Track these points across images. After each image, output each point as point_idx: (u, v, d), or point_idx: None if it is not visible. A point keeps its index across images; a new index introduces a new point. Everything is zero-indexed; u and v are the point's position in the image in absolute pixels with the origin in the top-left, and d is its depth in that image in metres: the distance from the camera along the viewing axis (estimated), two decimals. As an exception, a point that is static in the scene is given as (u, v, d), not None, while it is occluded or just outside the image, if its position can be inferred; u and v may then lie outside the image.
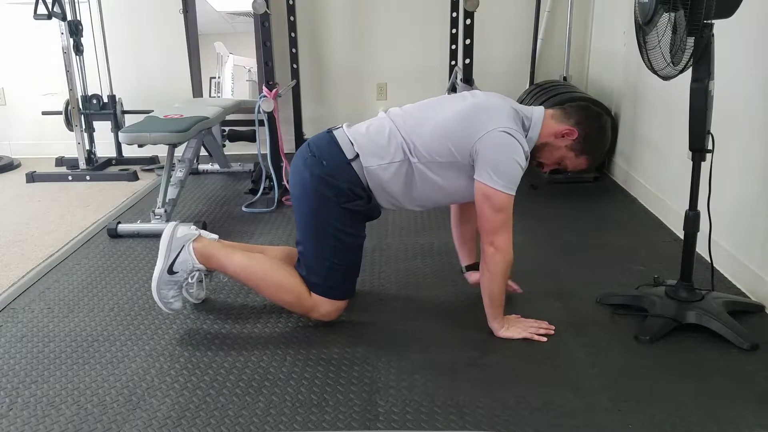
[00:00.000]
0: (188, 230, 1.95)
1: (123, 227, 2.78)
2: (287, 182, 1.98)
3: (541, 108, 1.88)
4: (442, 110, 1.84)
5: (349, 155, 1.82)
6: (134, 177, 3.74)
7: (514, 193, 1.75)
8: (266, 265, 1.94)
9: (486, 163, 1.73)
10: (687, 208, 1.88)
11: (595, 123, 1.85)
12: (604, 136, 1.88)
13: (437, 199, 1.91)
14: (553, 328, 1.88)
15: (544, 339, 1.84)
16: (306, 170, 1.86)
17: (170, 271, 1.91)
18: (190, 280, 1.95)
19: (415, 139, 1.81)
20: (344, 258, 1.89)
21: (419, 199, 1.90)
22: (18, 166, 4.13)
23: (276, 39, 3.71)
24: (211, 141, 3.68)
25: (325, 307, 1.91)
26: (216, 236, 2.06)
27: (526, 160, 1.78)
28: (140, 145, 3.08)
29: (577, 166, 1.89)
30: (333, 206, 1.83)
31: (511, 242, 1.80)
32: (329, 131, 1.91)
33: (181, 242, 1.92)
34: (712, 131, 1.78)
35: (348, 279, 1.94)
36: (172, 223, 1.96)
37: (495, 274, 1.80)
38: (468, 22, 3.01)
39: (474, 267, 2.15)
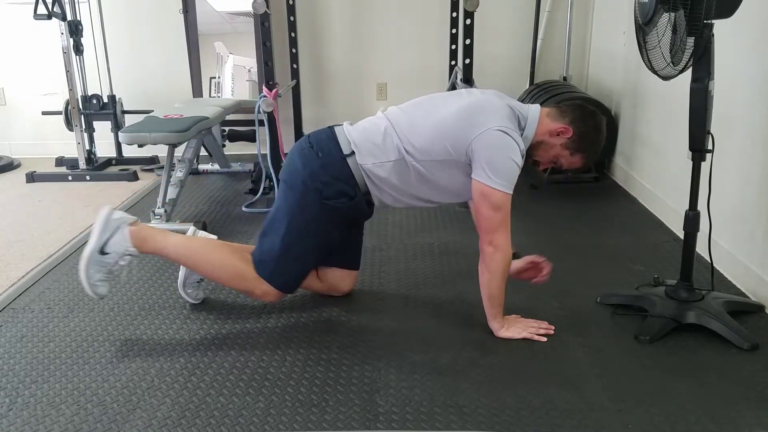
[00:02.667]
0: (125, 214, 1.89)
1: (123, 227, 2.77)
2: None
3: (537, 106, 1.88)
4: (438, 109, 1.84)
5: (346, 151, 1.85)
6: (134, 177, 3.74)
7: (511, 192, 1.75)
8: (206, 243, 1.94)
9: (483, 162, 1.74)
10: (687, 208, 1.88)
11: (590, 121, 1.85)
12: (599, 134, 1.87)
13: (435, 196, 1.92)
14: (553, 328, 1.88)
15: (544, 339, 1.84)
16: (300, 160, 1.88)
17: (102, 251, 1.82)
18: (120, 262, 1.86)
19: (411, 138, 1.82)
20: (306, 250, 1.90)
21: (417, 196, 1.91)
22: (18, 166, 4.13)
23: (276, 39, 3.71)
24: (211, 141, 3.68)
25: (264, 286, 1.91)
26: (215, 237, 2.06)
27: (523, 158, 1.78)
28: (140, 145, 3.07)
29: (571, 164, 1.89)
30: (316, 200, 1.85)
31: (509, 241, 1.80)
32: (329, 127, 1.93)
33: (117, 223, 1.86)
34: (711, 131, 1.78)
35: (298, 273, 1.95)
36: (108, 206, 1.88)
37: (495, 273, 1.80)
38: (468, 22, 3.01)
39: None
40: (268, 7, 2.96)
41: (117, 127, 3.92)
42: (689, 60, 1.69)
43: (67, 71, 3.65)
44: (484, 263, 1.81)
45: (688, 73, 1.74)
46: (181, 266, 2.03)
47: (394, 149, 1.83)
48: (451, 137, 1.78)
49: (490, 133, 1.73)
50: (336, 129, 1.91)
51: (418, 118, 1.85)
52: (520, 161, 1.76)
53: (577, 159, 1.87)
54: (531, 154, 1.87)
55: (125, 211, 1.96)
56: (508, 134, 1.73)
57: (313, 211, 1.86)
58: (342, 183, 1.84)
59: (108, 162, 4.01)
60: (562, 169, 1.93)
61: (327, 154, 1.85)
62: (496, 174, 1.73)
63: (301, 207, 1.87)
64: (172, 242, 1.90)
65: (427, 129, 1.81)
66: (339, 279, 2.09)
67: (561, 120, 1.84)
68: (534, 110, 1.85)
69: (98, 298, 1.88)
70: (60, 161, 4.04)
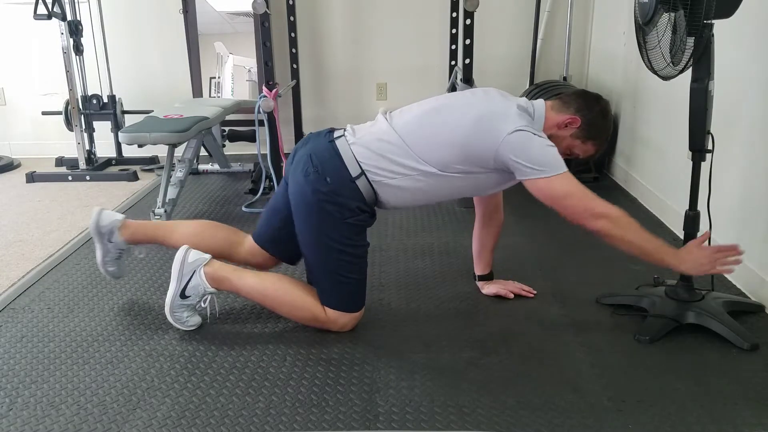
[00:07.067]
0: (199, 254, 1.92)
1: (123, 227, 2.77)
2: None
3: (541, 101, 1.86)
4: (449, 120, 1.79)
5: (354, 173, 1.79)
6: (134, 177, 3.74)
7: (566, 169, 1.71)
8: (278, 285, 1.93)
9: (523, 163, 1.70)
10: (687, 208, 1.88)
11: (595, 107, 1.85)
12: (606, 118, 1.87)
13: (453, 196, 1.90)
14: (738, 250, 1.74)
15: (731, 270, 1.72)
16: (308, 186, 1.80)
17: (183, 295, 1.90)
18: (203, 304, 1.93)
19: (426, 155, 1.77)
20: (352, 270, 1.87)
21: (433, 199, 1.90)
22: (18, 166, 4.13)
23: (276, 39, 3.71)
24: (211, 141, 3.68)
25: (341, 320, 1.90)
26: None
27: None
28: (140, 145, 3.08)
29: (585, 152, 1.88)
30: (337, 222, 1.81)
31: (605, 203, 1.72)
32: (331, 140, 1.84)
33: (193, 267, 1.90)
34: (712, 131, 1.78)
35: (359, 290, 1.92)
36: (183, 247, 1.92)
37: (625, 236, 1.72)
38: (468, 22, 3.01)
39: (487, 277, 2.14)
40: (268, 7, 2.96)
41: (117, 127, 3.92)
42: (689, 60, 1.69)
43: (67, 71, 3.65)
44: (609, 237, 1.73)
45: (688, 73, 1.74)
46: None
47: (408, 167, 1.79)
48: (471, 150, 1.74)
49: (512, 137, 1.70)
50: (338, 144, 1.83)
51: (431, 135, 1.79)
52: (551, 142, 1.74)
53: (590, 146, 1.86)
54: None
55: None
56: (527, 131, 1.71)
57: (339, 232, 1.82)
58: (356, 201, 1.81)
59: (108, 162, 4.01)
60: (578, 159, 1.91)
61: (335, 180, 1.79)
62: (542, 164, 1.69)
63: (325, 232, 1.83)
64: (245, 286, 1.92)
65: (441, 144, 1.77)
66: (251, 256, 2.07)
67: (566, 111, 1.83)
68: (539, 105, 1.84)
69: (194, 329, 1.96)
70: (60, 161, 4.04)
